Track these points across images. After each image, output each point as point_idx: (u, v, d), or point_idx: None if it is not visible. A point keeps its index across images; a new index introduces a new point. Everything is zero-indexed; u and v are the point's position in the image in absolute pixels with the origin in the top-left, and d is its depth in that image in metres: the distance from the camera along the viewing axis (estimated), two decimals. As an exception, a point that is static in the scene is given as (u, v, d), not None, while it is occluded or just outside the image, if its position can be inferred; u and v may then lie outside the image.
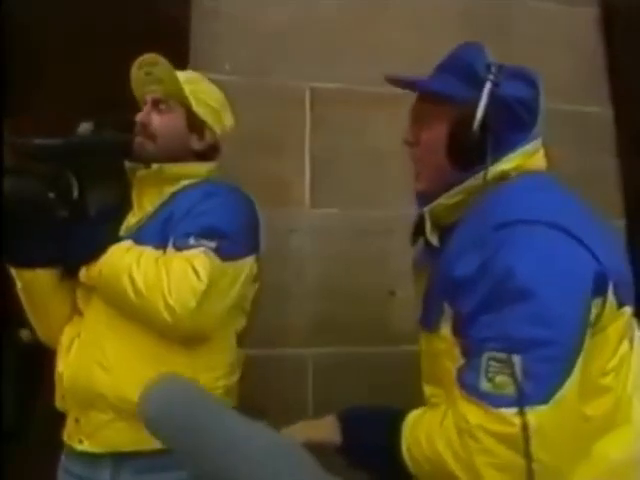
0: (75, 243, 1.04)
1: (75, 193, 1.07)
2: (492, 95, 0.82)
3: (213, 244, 1.01)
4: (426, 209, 0.86)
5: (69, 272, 1.07)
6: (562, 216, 0.76)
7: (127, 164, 1.19)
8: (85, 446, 1.03)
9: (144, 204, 1.16)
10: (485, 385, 0.68)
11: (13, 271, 1.09)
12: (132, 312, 1.01)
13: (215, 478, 0.71)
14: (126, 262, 1.00)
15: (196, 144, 1.19)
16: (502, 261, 0.71)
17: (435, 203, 0.85)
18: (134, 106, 1.21)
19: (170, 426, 0.72)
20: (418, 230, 0.92)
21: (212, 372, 1.06)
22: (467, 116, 0.82)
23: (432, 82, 0.92)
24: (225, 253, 1.03)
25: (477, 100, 0.82)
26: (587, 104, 1.98)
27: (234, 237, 1.06)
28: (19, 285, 1.11)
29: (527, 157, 0.86)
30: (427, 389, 0.90)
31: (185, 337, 1.02)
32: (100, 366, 1.02)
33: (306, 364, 1.64)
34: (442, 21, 1.89)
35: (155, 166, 1.13)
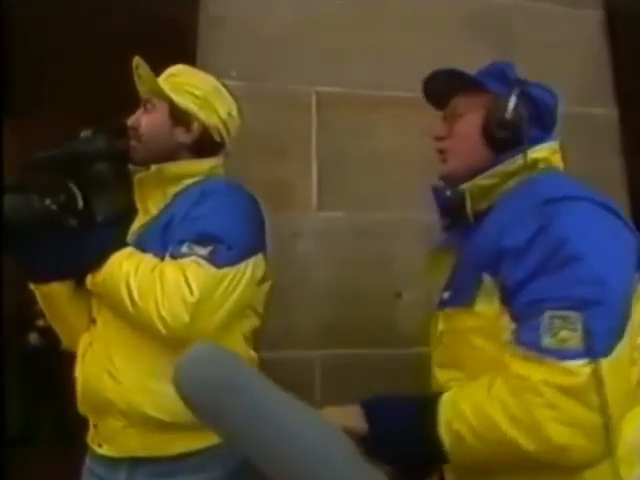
0: (83, 251, 1.04)
1: (80, 203, 1.07)
2: (522, 92, 0.91)
3: (207, 251, 0.98)
4: (465, 186, 0.91)
5: (82, 282, 1.07)
6: (599, 196, 0.83)
7: (131, 169, 1.17)
8: (104, 450, 1.05)
9: (149, 207, 1.14)
10: (548, 341, 0.70)
11: (31, 285, 1.11)
12: (131, 320, 1.01)
13: (260, 457, 0.70)
14: (124, 270, 0.98)
15: (183, 137, 1.15)
16: (555, 230, 0.75)
17: (472, 183, 0.90)
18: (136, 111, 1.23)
19: (207, 400, 0.70)
20: (449, 213, 0.98)
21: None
22: (502, 104, 0.91)
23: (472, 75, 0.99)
24: (221, 259, 0.99)
25: (509, 94, 0.91)
26: (592, 106, 1.98)
27: (231, 240, 1.01)
28: (39, 297, 1.13)
29: (552, 153, 0.93)
30: (442, 374, 0.89)
31: (183, 345, 0.99)
32: (109, 374, 1.03)
33: (313, 366, 1.64)
34: (446, 25, 1.91)
35: (154, 167, 1.11)
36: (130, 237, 1.12)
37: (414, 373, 1.58)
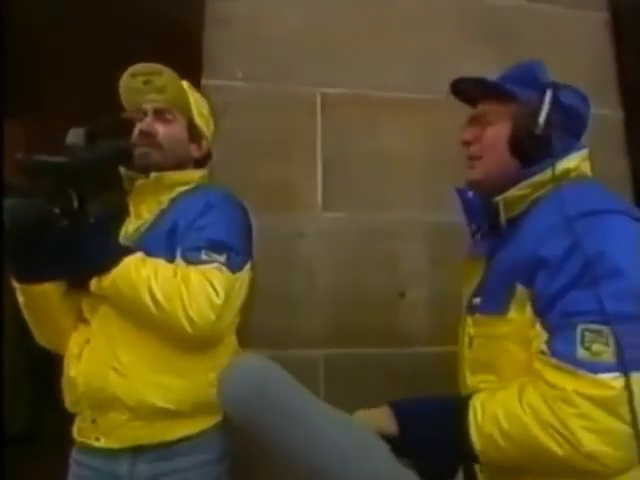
0: (83, 252, 1.04)
1: (75, 204, 1.07)
2: (553, 99, 0.90)
3: (223, 258, 1.06)
4: (500, 198, 0.91)
5: (77, 283, 1.09)
6: (635, 210, 0.84)
7: (123, 172, 1.20)
8: (102, 443, 1.07)
9: (142, 212, 1.18)
10: (582, 353, 0.72)
11: (17, 287, 1.10)
12: (149, 322, 1.04)
13: (299, 462, 0.72)
14: (144, 275, 1.02)
15: (196, 153, 1.24)
16: (593, 244, 0.76)
17: (509, 193, 0.90)
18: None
19: (258, 408, 0.72)
20: (477, 221, 1.00)
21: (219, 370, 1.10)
22: (531, 113, 0.90)
23: (500, 82, 0.97)
24: (234, 265, 1.08)
25: (540, 101, 0.90)
26: (597, 107, 1.97)
27: (238, 248, 1.11)
28: (22, 300, 1.12)
29: (582, 161, 0.94)
30: (473, 378, 0.91)
31: (202, 343, 1.08)
32: (115, 371, 1.06)
33: (317, 365, 1.65)
34: (452, 26, 1.91)
35: (154, 174, 1.16)
36: (125, 239, 1.15)
37: (417, 372, 1.59)
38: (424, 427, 0.81)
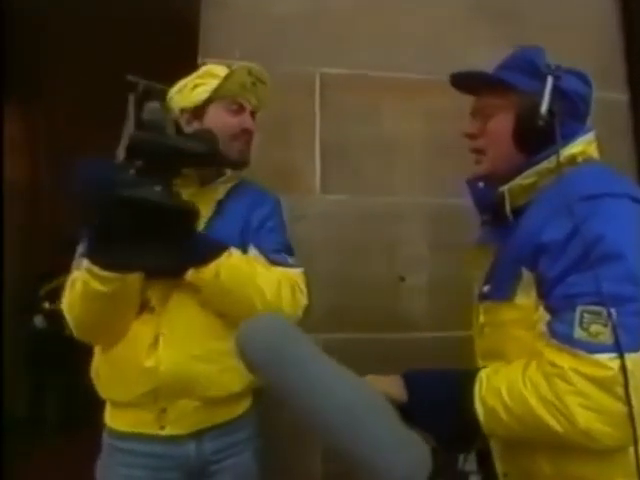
0: (189, 245, 1.06)
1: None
2: (554, 86, 0.90)
3: (295, 260, 1.22)
4: (505, 188, 0.92)
5: (172, 273, 1.09)
6: (638, 193, 0.84)
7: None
8: (167, 431, 1.12)
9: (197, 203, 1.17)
10: (579, 334, 0.74)
11: (99, 277, 1.02)
12: (244, 314, 1.00)
13: (305, 412, 0.75)
14: (248, 271, 1.12)
15: None
16: (593, 227, 0.77)
17: (514, 183, 0.91)
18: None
19: (266, 359, 0.76)
20: (486, 211, 1.01)
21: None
22: (533, 104, 0.90)
23: (498, 74, 0.97)
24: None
25: (541, 90, 0.89)
26: (603, 90, 1.94)
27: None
28: (104, 290, 1.03)
29: (588, 144, 0.93)
30: (485, 364, 0.91)
31: None
32: (197, 359, 1.11)
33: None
34: (455, 6, 1.87)
35: (230, 172, 1.23)
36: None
37: (417, 357, 1.58)
38: (432, 396, 0.83)
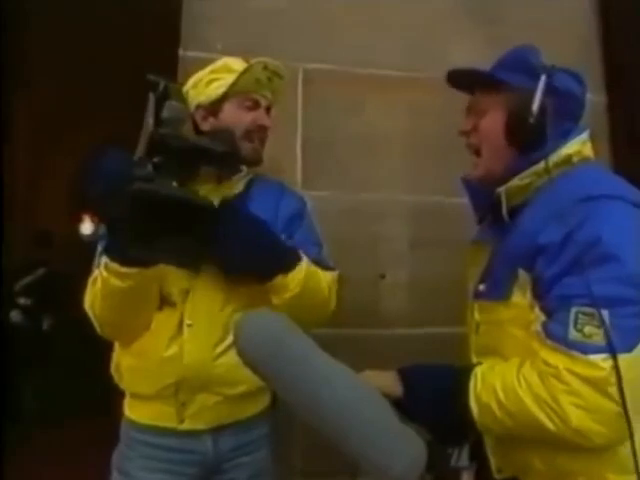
0: (277, 251, 1.10)
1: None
2: (547, 85, 0.89)
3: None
4: (502, 189, 0.92)
5: (262, 278, 1.11)
6: (635, 195, 0.85)
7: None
8: (186, 425, 1.12)
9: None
10: (574, 334, 0.75)
11: (118, 273, 1.01)
12: (312, 318, 1.13)
13: (302, 407, 0.76)
14: (320, 278, 1.16)
15: None
16: (589, 229, 0.78)
17: (510, 184, 0.92)
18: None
19: (266, 353, 0.76)
20: (482, 209, 1.02)
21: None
22: (525, 102, 0.89)
23: (493, 71, 0.98)
24: None
25: (534, 89, 0.89)
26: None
27: None
28: (123, 286, 1.03)
29: (583, 144, 0.94)
30: (479, 361, 0.93)
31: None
32: (221, 352, 1.12)
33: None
34: (439, 4, 1.87)
35: (246, 169, 1.22)
36: None
37: (397, 354, 1.59)
38: (428, 391, 0.84)
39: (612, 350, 0.72)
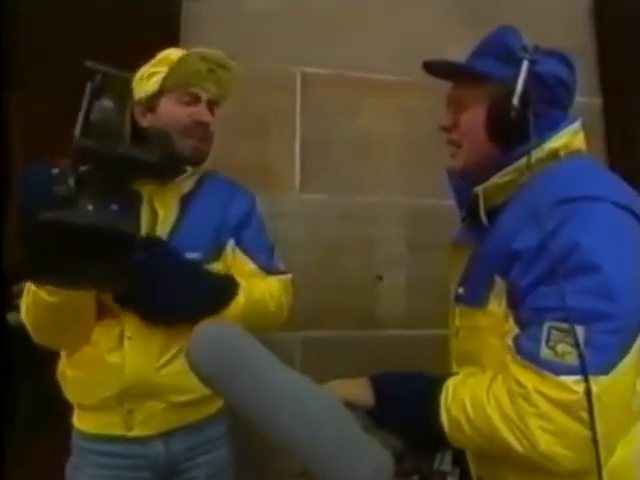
0: (204, 290, 1.09)
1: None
2: (530, 72, 0.82)
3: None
4: (479, 188, 0.86)
5: (189, 321, 1.01)
6: (622, 195, 0.76)
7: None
8: (135, 432, 1.10)
9: (156, 208, 1.13)
10: (546, 353, 0.68)
11: (44, 288, 0.97)
12: (260, 324, 1.14)
13: (258, 422, 0.73)
14: (261, 299, 1.17)
15: None
16: (566, 235, 0.71)
17: (489, 182, 0.85)
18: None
19: (220, 369, 0.73)
20: (463, 205, 0.95)
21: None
22: (506, 93, 0.82)
23: (469, 63, 0.91)
24: None
25: (515, 78, 0.82)
26: (576, 94, 1.98)
27: None
28: (52, 301, 0.98)
29: (573, 136, 0.86)
30: (459, 370, 0.89)
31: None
32: (165, 362, 1.10)
33: (294, 348, 1.65)
34: (433, 8, 1.89)
35: (191, 169, 1.15)
36: (149, 231, 1.11)
37: (395, 355, 1.60)
38: (399, 400, 0.80)
39: (585, 372, 0.65)
